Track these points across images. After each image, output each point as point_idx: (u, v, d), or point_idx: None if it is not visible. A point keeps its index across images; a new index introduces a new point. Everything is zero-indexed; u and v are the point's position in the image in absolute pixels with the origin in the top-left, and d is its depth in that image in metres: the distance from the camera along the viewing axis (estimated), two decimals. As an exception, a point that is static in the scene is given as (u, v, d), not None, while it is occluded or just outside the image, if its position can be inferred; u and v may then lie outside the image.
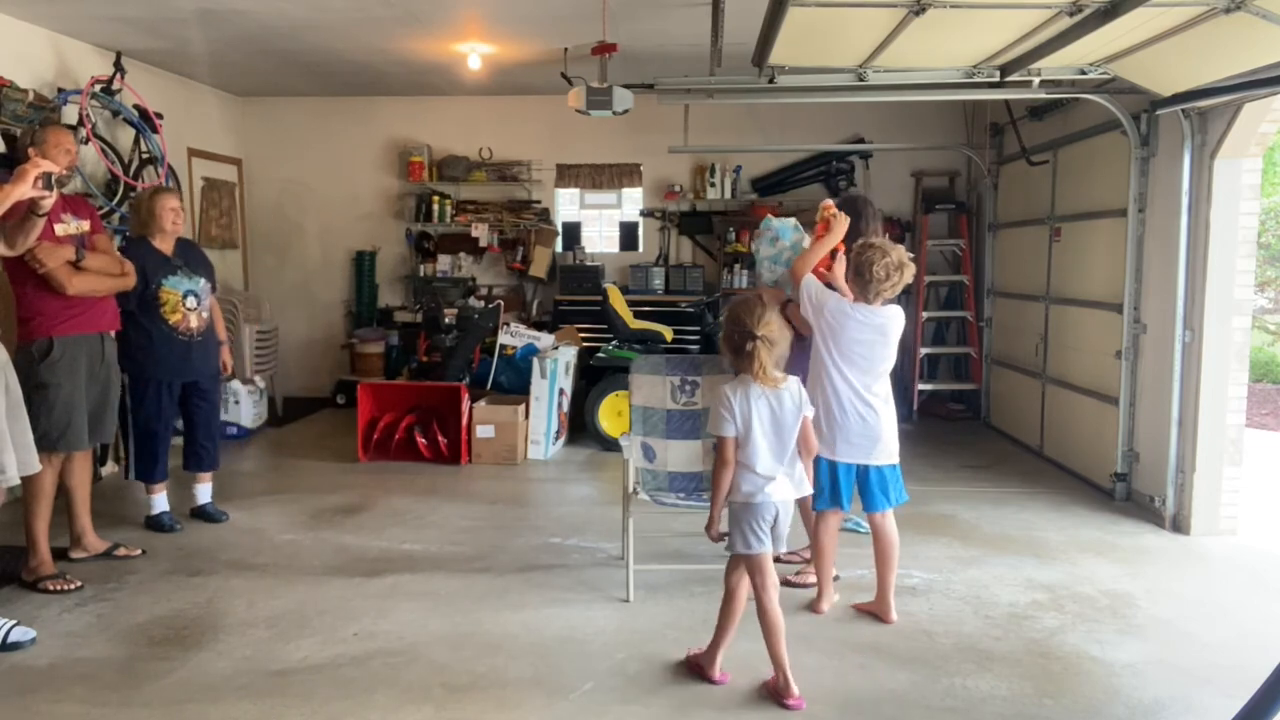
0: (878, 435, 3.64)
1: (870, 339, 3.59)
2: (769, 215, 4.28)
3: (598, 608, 3.84)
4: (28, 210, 3.41)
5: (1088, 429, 5.92)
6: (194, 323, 4.65)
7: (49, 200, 3.34)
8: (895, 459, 3.72)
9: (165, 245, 4.61)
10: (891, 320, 3.59)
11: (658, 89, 5.91)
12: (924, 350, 7.77)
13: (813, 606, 3.85)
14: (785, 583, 4.11)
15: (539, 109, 8.11)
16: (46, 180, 3.25)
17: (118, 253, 4.31)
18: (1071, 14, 3.72)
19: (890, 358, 3.65)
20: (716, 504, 3.10)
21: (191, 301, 4.64)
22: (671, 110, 7.23)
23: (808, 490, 3.15)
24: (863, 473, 3.69)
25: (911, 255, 3.65)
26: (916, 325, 7.59)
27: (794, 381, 3.07)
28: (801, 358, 4.09)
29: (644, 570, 4.05)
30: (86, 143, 5.59)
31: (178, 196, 4.73)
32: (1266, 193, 10.13)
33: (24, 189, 3.18)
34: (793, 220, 4.19)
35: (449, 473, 6.06)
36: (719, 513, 3.10)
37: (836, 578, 3.99)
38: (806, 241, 4.05)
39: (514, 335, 7.02)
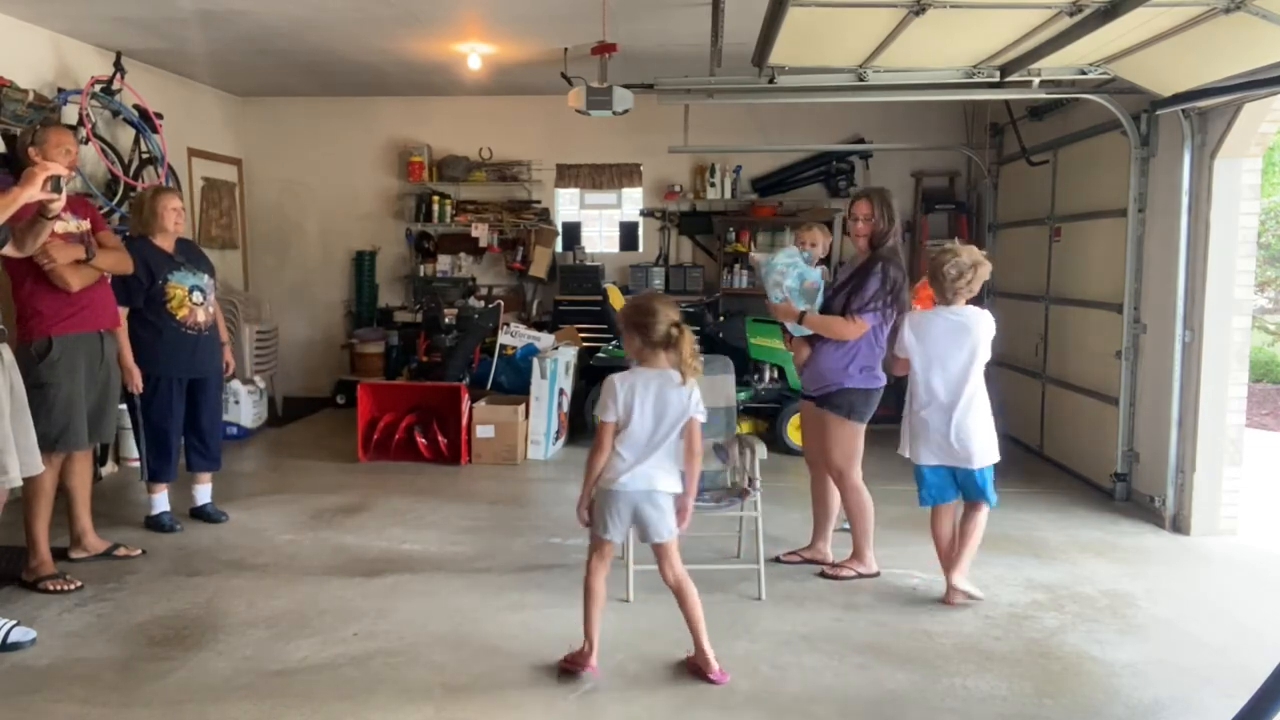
0: (966, 440, 3.81)
1: (951, 338, 3.82)
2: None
3: (598, 608, 3.83)
4: (36, 213, 3.42)
5: (1088, 429, 5.92)
6: (201, 317, 4.66)
7: (58, 203, 3.35)
8: (986, 461, 3.86)
9: (166, 244, 4.61)
10: (973, 319, 3.83)
11: (658, 89, 5.91)
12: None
13: (945, 599, 3.94)
14: (823, 574, 4.22)
15: (539, 109, 8.10)
16: (55, 183, 3.25)
17: (124, 247, 4.32)
18: (1071, 14, 3.72)
19: (973, 358, 3.83)
20: (587, 486, 3.17)
21: (198, 296, 4.65)
22: (671, 110, 7.22)
23: (677, 488, 3.16)
24: (954, 473, 3.91)
25: (985, 253, 3.96)
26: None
27: (693, 384, 3.13)
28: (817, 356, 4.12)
29: (644, 570, 4.03)
30: (86, 143, 5.59)
31: (179, 196, 4.73)
32: (1266, 193, 10.12)
33: (33, 192, 3.18)
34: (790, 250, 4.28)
35: (449, 473, 6.06)
36: (588, 494, 3.17)
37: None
38: (798, 261, 4.13)
39: (514, 335, 7.02)
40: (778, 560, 4.36)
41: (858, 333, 3.99)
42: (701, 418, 3.14)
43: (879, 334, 4.07)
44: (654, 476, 3.11)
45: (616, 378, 3.14)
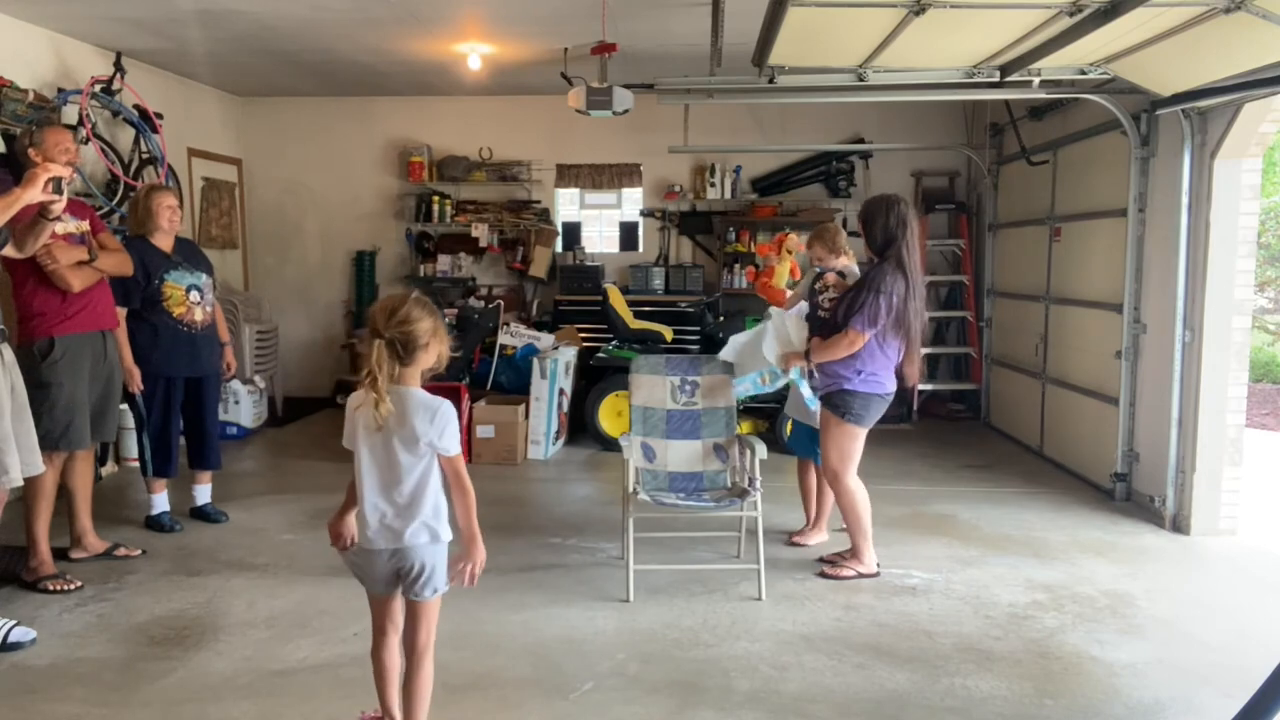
0: None
1: None
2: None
3: (598, 608, 3.84)
4: (37, 214, 3.42)
5: (1088, 429, 5.92)
6: (199, 316, 4.65)
7: (59, 204, 3.35)
8: None
9: (164, 243, 4.60)
10: None
11: (658, 89, 5.91)
12: (924, 350, 7.74)
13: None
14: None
15: (539, 109, 8.11)
16: (56, 184, 3.25)
17: (124, 249, 4.32)
18: (1071, 14, 3.72)
19: None
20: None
21: (195, 295, 4.64)
22: (671, 110, 7.23)
23: (444, 535, 2.59)
24: None
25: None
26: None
27: (425, 408, 2.48)
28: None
29: (644, 570, 4.05)
30: (86, 143, 5.59)
31: (175, 195, 4.71)
32: (1266, 193, 10.13)
33: (34, 193, 3.18)
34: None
35: (449, 473, 6.04)
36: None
37: None
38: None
39: (514, 335, 7.02)
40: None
41: (855, 346, 3.98)
42: (449, 450, 2.56)
43: (884, 342, 4.03)
44: (405, 537, 2.58)
45: (355, 394, 2.58)
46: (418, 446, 2.49)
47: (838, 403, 4.07)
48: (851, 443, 4.11)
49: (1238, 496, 4.89)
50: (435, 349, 2.52)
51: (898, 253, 4.00)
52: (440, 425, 2.49)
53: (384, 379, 2.44)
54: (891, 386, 4.12)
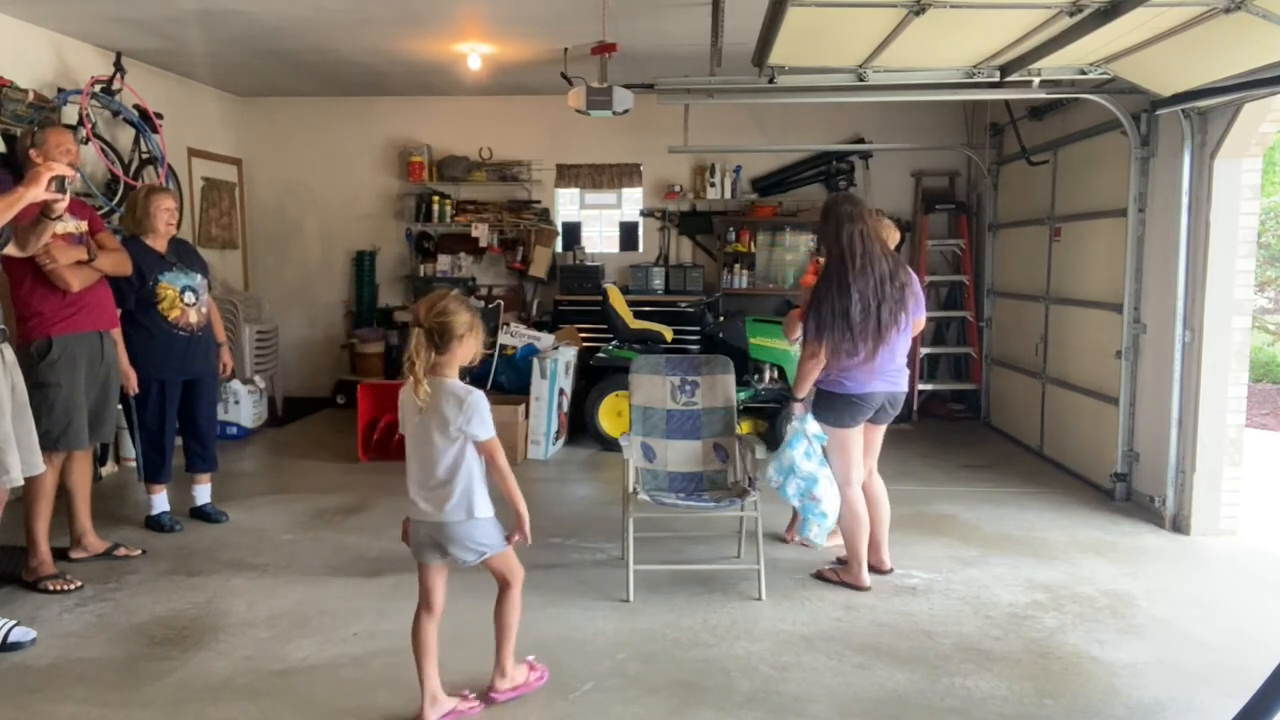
0: None
1: None
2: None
3: (598, 608, 3.84)
4: (40, 213, 3.42)
5: (1088, 429, 5.92)
6: (193, 318, 4.65)
7: (62, 204, 3.36)
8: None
9: (159, 244, 4.60)
10: None
11: (658, 89, 5.91)
12: (924, 350, 7.77)
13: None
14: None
15: (539, 109, 8.11)
16: (59, 184, 3.26)
17: (123, 249, 4.33)
18: (1071, 14, 3.72)
19: None
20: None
21: (190, 297, 4.64)
22: (671, 110, 7.23)
23: (479, 512, 2.81)
24: None
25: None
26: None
27: (454, 397, 2.72)
28: None
29: (644, 570, 4.05)
30: (86, 143, 5.59)
31: (173, 197, 4.71)
32: (1266, 193, 10.13)
33: (37, 192, 3.18)
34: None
35: (449, 473, 6.04)
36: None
37: None
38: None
39: (514, 335, 7.02)
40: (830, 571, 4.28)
41: (814, 358, 3.91)
42: (481, 435, 2.78)
43: (834, 347, 3.89)
44: (439, 517, 2.86)
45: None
46: (449, 431, 2.72)
47: (814, 403, 4.07)
48: (838, 442, 4.03)
49: (1238, 496, 4.89)
50: (471, 343, 2.80)
51: (830, 251, 3.93)
52: (468, 413, 2.73)
53: (421, 364, 2.70)
54: (855, 389, 3.95)
